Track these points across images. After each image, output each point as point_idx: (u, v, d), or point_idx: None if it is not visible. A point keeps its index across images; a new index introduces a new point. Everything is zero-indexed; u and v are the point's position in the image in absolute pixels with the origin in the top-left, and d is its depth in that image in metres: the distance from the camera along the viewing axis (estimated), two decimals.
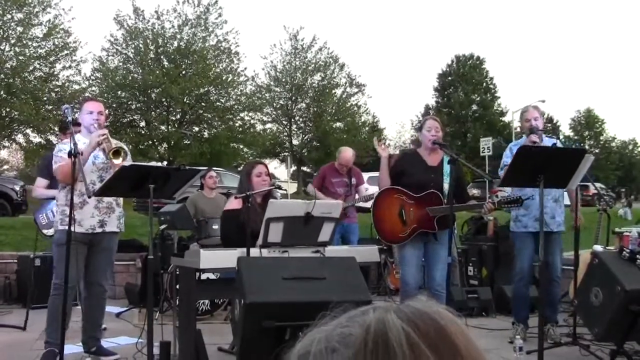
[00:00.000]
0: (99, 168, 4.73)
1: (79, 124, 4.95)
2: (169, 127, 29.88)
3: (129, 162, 4.80)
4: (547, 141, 5.42)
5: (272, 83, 34.62)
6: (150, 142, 30.01)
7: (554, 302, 5.54)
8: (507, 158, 5.34)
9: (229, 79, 29.86)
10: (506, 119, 43.90)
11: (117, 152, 4.52)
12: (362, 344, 0.60)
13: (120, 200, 4.93)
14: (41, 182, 5.78)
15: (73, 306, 5.18)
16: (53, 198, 5.48)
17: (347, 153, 7.22)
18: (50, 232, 5.73)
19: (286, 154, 34.80)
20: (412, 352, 0.59)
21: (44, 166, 5.78)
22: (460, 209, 5.00)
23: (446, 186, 4.79)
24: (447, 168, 4.85)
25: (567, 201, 5.60)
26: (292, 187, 24.44)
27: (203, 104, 30.07)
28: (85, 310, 4.91)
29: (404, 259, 4.91)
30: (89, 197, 4.41)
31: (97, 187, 4.53)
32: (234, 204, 4.56)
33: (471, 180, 24.97)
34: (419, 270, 4.92)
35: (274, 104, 34.74)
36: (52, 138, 24.57)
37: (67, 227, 4.39)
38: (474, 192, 21.58)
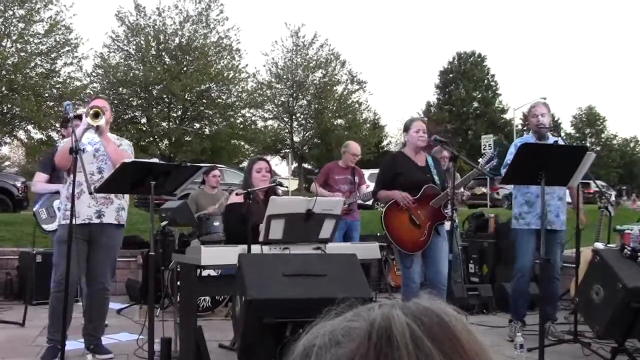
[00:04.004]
0: (98, 159, 4.74)
1: (80, 117, 4.92)
2: (170, 123, 29.88)
3: (129, 152, 4.80)
4: (549, 139, 5.41)
5: (273, 80, 34.56)
6: (151, 139, 30.00)
7: (554, 299, 5.53)
8: (510, 155, 5.32)
9: (230, 75, 29.83)
10: (507, 116, 43.87)
11: (95, 115, 4.50)
12: (365, 337, 0.60)
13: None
14: (40, 176, 5.83)
15: (74, 302, 5.18)
16: (55, 192, 5.52)
17: (355, 144, 7.44)
18: (50, 227, 5.74)
19: (287, 150, 34.73)
20: (416, 347, 0.59)
21: (46, 160, 5.83)
22: (457, 187, 5.11)
23: (437, 181, 5.08)
24: (431, 164, 5.10)
25: (568, 199, 5.60)
26: (293, 184, 24.44)
27: (204, 100, 30.05)
28: (87, 308, 4.89)
29: (413, 260, 4.94)
30: (90, 193, 4.41)
31: (95, 179, 4.55)
32: (236, 199, 4.58)
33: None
34: (422, 268, 4.99)
35: (275, 101, 34.69)
36: (54, 134, 24.59)
37: (68, 222, 4.39)
38: (482, 189, 21.61)
